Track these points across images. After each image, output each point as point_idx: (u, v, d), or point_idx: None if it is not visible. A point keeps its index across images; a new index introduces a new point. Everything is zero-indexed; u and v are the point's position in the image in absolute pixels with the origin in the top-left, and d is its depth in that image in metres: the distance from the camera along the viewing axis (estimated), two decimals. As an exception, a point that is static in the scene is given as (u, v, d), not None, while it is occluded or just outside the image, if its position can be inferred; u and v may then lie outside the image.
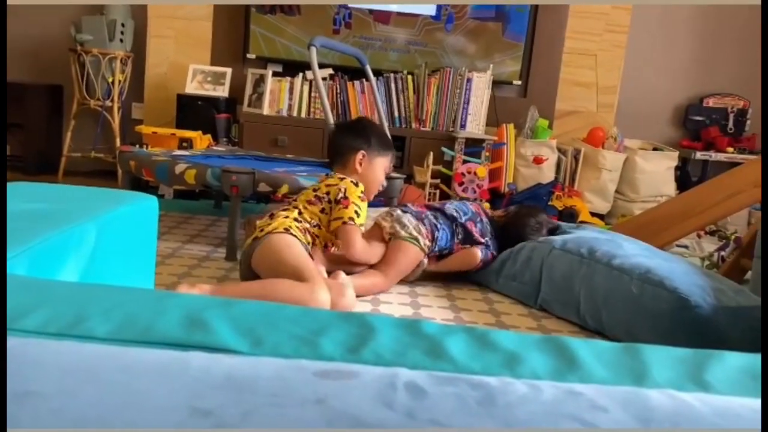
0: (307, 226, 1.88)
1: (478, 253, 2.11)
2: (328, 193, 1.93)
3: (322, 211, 1.93)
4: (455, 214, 2.15)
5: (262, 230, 1.82)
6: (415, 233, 2.03)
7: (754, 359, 0.80)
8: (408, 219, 2.05)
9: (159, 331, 0.73)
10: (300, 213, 1.90)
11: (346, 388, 0.54)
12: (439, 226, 2.09)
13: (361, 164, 2.01)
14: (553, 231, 2.25)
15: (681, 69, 4.17)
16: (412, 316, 1.83)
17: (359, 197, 1.92)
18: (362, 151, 2.00)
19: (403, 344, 0.75)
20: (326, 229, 1.92)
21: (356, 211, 1.89)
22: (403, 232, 2.02)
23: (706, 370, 0.75)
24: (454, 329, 0.81)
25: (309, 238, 1.87)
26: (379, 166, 2.05)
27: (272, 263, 1.74)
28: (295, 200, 1.97)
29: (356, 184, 1.93)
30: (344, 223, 1.87)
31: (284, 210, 1.90)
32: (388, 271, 1.99)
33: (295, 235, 1.81)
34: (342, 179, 1.94)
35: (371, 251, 1.97)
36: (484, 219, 2.22)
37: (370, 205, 2.80)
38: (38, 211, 1.20)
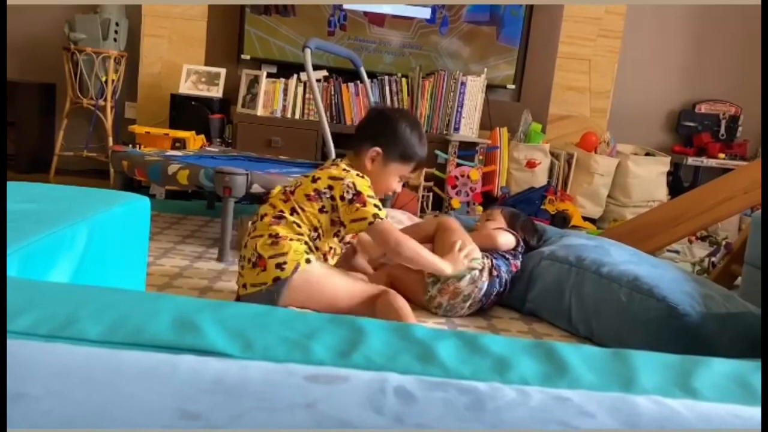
0: (313, 242, 1.64)
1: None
2: (330, 188, 1.64)
3: (322, 209, 1.64)
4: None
5: (265, 269, 1.58)
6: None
7: (741, 366, 0.81)
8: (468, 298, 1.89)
9: (149, 333, 0.73)
10: (295, 212, 1.62)
11: (336, 393, 0.54)
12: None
13: (372, 161, 1.73)
14: (540, 235, 2.22)
15: (674, 75, 4.19)
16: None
17: (370, 187, 1.67)
18: (377, 149, 1.72)
19: (394, 348, 0.75)
20: (327, 234, 1.67)
21: (376, 205, 1.63)
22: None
23: (694, 377, 0.76)
24: (444, 333, 0.81)
25: (329, 260, 1.69)
26: (392, 173, 1.75)
27: (324, 305, 1.56)
28: (292, 193, 1.67)
29: (362, 176, 1.68)
30: (370, 223, 1.61)
31: (277, 216, 1.63)
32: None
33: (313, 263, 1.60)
34: (346, 172, 1.66)
35: (415, 245, 1.69)
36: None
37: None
38: (29, 211, 1.19)
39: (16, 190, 1.37)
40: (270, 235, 1.60)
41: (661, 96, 4.20)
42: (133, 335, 0.72)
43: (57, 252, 1.11)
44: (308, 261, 1.59)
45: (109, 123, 3.73)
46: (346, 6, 3.78)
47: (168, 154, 2.71)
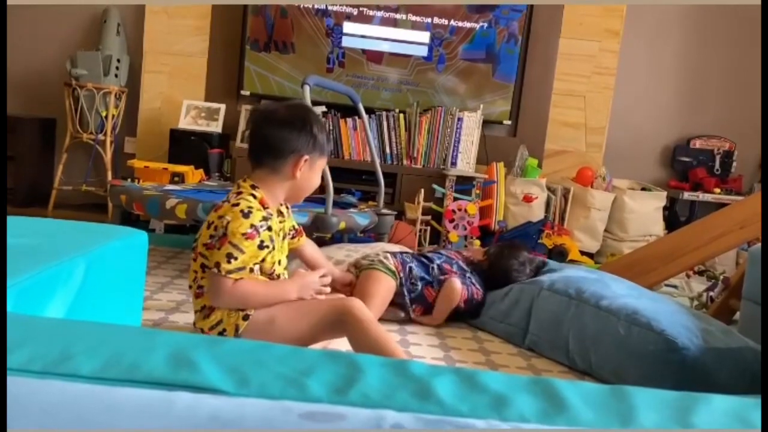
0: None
1: (456, 281, 2.11)
2: (216, 228, 1.50)
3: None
4: (428, 255, 2.22)
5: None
6: (377, 260, 2.09)
7: (741, 402, 0.80)
8: (370, 255, 2.16)
9: (144, 369, 0.72)
10: (206, 267, 1.51)
11: (333, 431, 0.54)
12: (408, 260, 2.16)
13: (300, 170, 1.57)
14: (540, 268, 2.24)
15: (668, 111, 4.24)
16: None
17: (244, 234, 1.47)
18: (305, 157, 1.56)
19: (391, 385, 0.74)
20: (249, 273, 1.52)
21: (228, 254, 1.46)
22: (364, 261, 2.10)
23: (693, 413, 0.75)
24: (442, 370, 0.80)
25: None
26: (317, 171, 1.63)
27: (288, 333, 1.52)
28: (196, 247, 1.56)
29: (246, 215, 1.48)
30: (209, 268, 1.49)
31: (200, 285, 1.55)
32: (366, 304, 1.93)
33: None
34: (235, 206, 1.50)
35: (245, 299, 1.50)
36: (460, 261, 2.23)
37: (358, 241, 2.80)
38: (27, 246, 1.19)
39: (14, 224, 1.37)
40: (201, 308, 1.55)
41: (655, 131, 4.24)
42: (128, 372, 0.71)
43: (54, 287, 1.11)
44: (246, 318, 1.50)
45: (108, 157, 3.75)
46: (344, 44, 3.84)
47: (166, 188, 2.72)
